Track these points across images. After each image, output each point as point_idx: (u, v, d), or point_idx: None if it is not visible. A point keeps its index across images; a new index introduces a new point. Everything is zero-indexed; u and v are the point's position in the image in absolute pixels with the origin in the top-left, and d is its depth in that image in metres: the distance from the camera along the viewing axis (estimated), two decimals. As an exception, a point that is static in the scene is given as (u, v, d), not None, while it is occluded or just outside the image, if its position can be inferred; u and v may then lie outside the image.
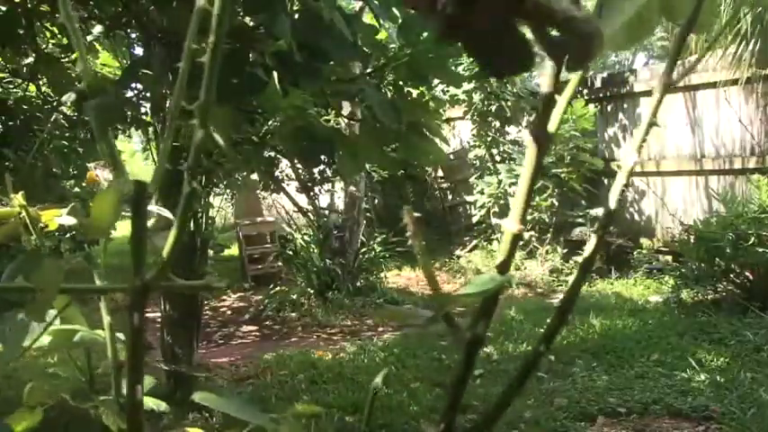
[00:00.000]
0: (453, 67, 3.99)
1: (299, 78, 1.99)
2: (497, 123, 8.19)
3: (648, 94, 6.93)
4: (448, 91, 7.57)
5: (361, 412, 3.45)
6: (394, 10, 2.05)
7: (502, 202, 7.89)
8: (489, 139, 8.22)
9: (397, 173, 7.62)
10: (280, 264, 7.47)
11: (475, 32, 0.36)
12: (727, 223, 4.99)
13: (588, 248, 0.57)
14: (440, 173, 9.23)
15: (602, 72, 8.39)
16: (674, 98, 6.51)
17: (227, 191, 7.98)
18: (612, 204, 0.56)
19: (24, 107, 3.63)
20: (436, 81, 5.52)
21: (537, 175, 0.48)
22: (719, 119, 6.34)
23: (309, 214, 7.20)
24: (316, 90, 2.21)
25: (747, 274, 4.97)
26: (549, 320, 0.55)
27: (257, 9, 1.69)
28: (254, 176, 6.48)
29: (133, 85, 2.61)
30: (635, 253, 6.71)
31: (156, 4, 2.33)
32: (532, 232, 7.07)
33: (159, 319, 3.62)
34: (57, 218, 0.72)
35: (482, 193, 8.10)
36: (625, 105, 7.27)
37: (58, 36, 3.22)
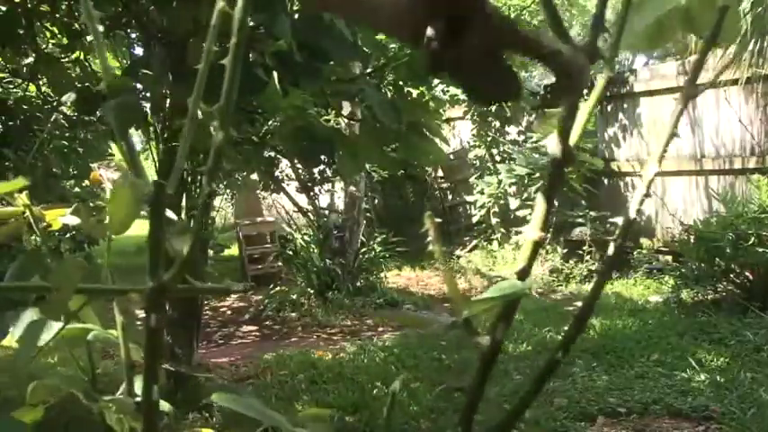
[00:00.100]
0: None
1: (299, 78, 1.99)
2: (497, 123, 8.19)
3: (648, 94, 6.94)
4: (448, 91, 7.57)
5: (361, 412, 3.45)
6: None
7: (502, 202, 7.90)
8: (489, 139, 8.22)
9: (397, 173, 7.62)
10: (280, 264, 7.47)
11: (462, 65, 0.37)
12: (727, 223, 4.99)
13: (607, 257, 0.57)
14: (440, 173, 9.23)
15: (602, 72, 8.37)
16: (674, 98, 6.51)
17: (227, 191, 7.98)
18: (633, 213, 0.56)
19: (24, 107, 3.63)
20: (436, 81, 5.53)
21: (559, 185, 0.49)
22: (719, 119, 6.34)
23: (309, 214, 7.20)
24: (316, 90, 2.21)
25: (747, 274, 4.97)
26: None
27: (257, 9, 1.69)
28: (254, 176, 6.48)
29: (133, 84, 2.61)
30: (635, 253, 6.71)
31: (156, 4, 2.33)
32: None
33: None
34: (61, 217, 0.72)
35: (482, 193, 8.11)
36: (625, 105, 7.27)
37: (58, 36, 3.22)
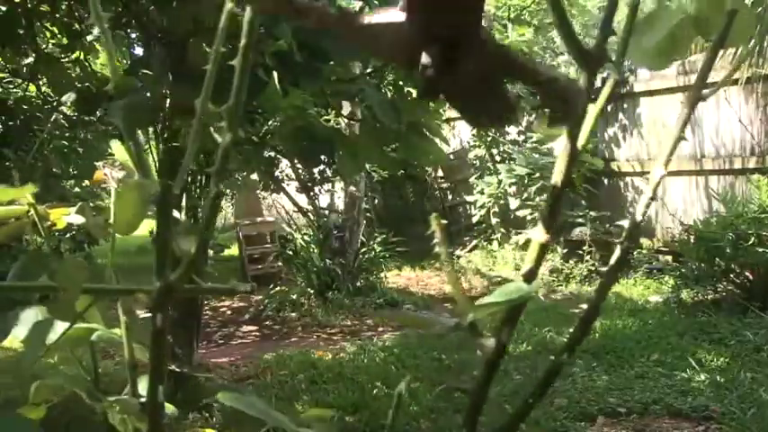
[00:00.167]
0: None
1: (299, 78, 1.99)
2: (497, 123, 8.19)
3: (649, 94, 6.94)
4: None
5: (361, 412, 3.45)
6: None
7: (502, 202, 7.90)
8: (489, 139, 8.22)
9: (397, 173, 7.62)
10: (280, 264, 7.47)
11: (457, 91, 0.37)
12: (727, 223, 4.99)
13: (612, 261, 0.57)
14: (440, 173, 9.23)
15: (603, 72, 8.39)
16: (675, 98, 6.51)
17: (227, 191, 7.98)
18: (639, 216, 0.56)
19: (24, 107, 3.63)
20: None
21: (566, 187, 0.48)
22: (719, 119, 6.34)
23: (309, 214, 7.20)
24: (316, 90, 2.21)
25: (747, 274, 4.97)
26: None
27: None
28: (254, 176, 6.48)
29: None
30: (635, 253, 6.71)
31: (156, 4, 2.33)
32: (532, 232, 7.06)
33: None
34: (65, 217, 0.72)
35: (482, 193, 8.11)
36: (625, 105, 7.27)
37: (58, 36, 3.22)
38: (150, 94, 2.58)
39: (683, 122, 0.56)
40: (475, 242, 8.25)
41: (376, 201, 9.13)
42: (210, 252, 5.57)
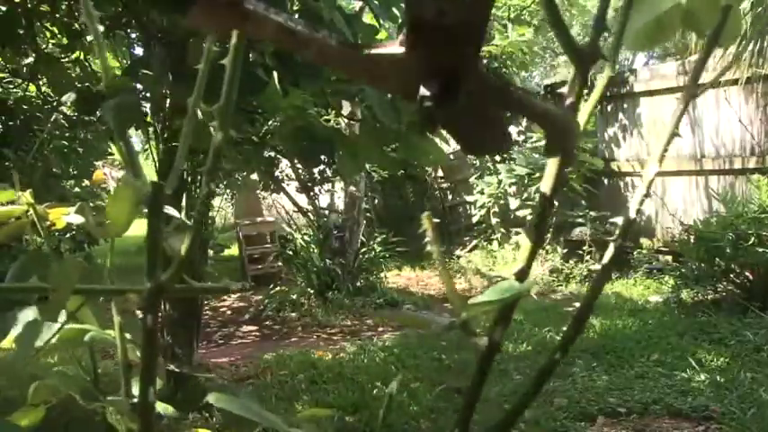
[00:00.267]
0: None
1: (299, 78, 1.99)
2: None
3: (648, 94, 6.94)
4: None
5: (361, 412, 3.45)
6: (394, 10, 2.05)
7: (502, 202, 7.90)
8: (489, 139, 8.21)
9: (397, 173, 7.62)
10: (280, 264, 7.47)
11: (455, 122, 0.39)
12: (727, 223, 4.99)
13: (606, 258, 0.57)
14: (440, 173, 9.23)
15: (602, 72, 8.38)
16: (674, 98, 6.51)
17: (227, 191, 7.99)
18: (633, 213, 0.56)
19: (24, 107, 3.64)
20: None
21: (559, 189, 0.49)
22: (719, 119, 6.34)
23: (309, 214, 7.20)
24: (316, 90, 2.21)
25: (747, 274, 4.97)
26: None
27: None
28: (254, 176, 6.48)
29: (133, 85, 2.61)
30: (635, 253, 6.71)
31: (154, 8, 2.33)
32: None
33: (159, 319, 3.62)
34: (65, 216, 0.72)
35: (482, 193, 8.11)
36: (625, 105, 7.27)
37: (58, 36, 3.22)
38: (150, 94, 2.58)
39: (678, 118, 0.56)
40: (475, 242, 8.25)
41: (376, 201, 9.13)
42: (211, 252, 5.57)
